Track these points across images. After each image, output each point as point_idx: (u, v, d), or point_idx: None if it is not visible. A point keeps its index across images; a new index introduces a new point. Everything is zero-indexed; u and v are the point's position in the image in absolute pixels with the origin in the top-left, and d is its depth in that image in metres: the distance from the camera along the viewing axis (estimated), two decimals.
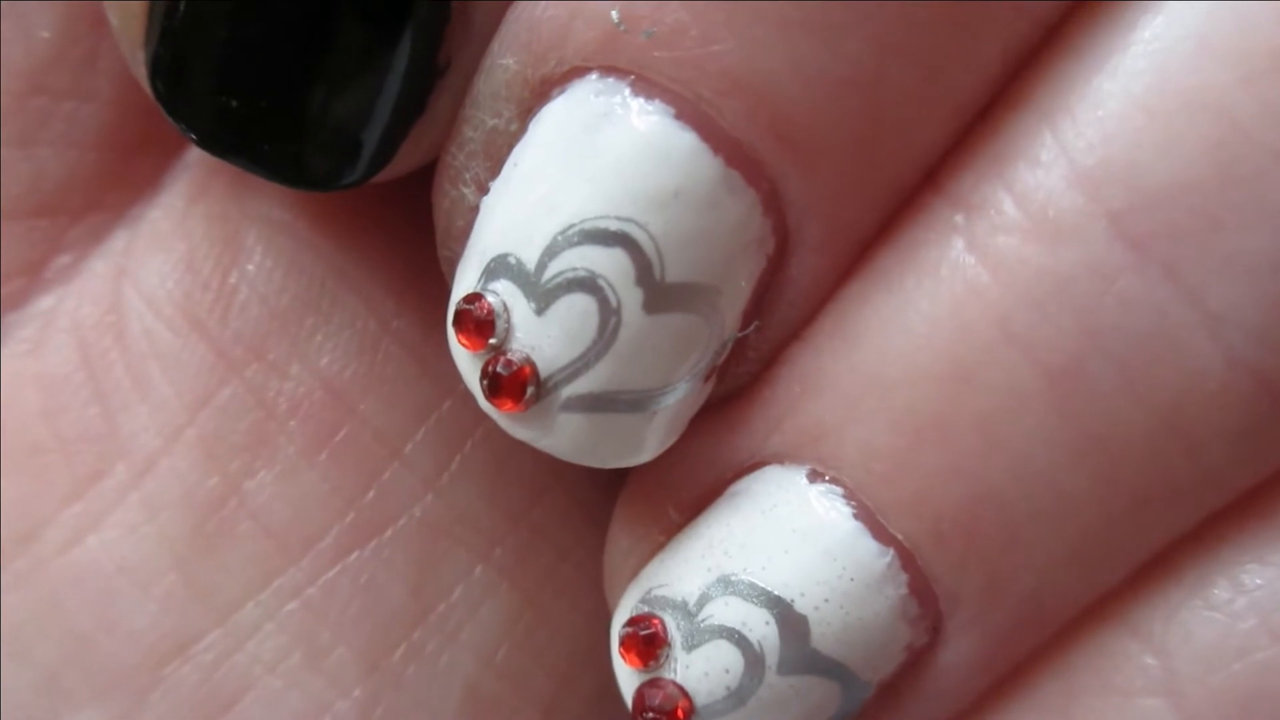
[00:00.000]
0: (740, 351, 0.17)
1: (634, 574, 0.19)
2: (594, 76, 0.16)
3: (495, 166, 0.17)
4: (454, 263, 0.18)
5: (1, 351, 0.20)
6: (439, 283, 0.19)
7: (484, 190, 0.17)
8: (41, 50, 0.19)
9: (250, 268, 0.19)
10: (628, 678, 0.18)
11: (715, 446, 0.18)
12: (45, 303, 0.20)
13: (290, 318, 0.19)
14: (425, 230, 0.19)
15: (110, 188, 0.20)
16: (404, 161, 0.18)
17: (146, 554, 0.19)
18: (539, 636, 0.21)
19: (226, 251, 0.19)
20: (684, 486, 0.19)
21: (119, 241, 0.20)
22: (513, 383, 0.17)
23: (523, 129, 0.17)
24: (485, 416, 0.19)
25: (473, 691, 0.20)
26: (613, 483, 0.20)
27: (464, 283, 0.17)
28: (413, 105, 0.17)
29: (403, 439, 0.20)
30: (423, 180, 0.19)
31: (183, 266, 0.19)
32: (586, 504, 0.21)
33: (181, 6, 0.17)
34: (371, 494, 0.20)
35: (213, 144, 0.17)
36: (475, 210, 0.17)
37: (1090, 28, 0.16)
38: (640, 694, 0.18)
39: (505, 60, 0.17)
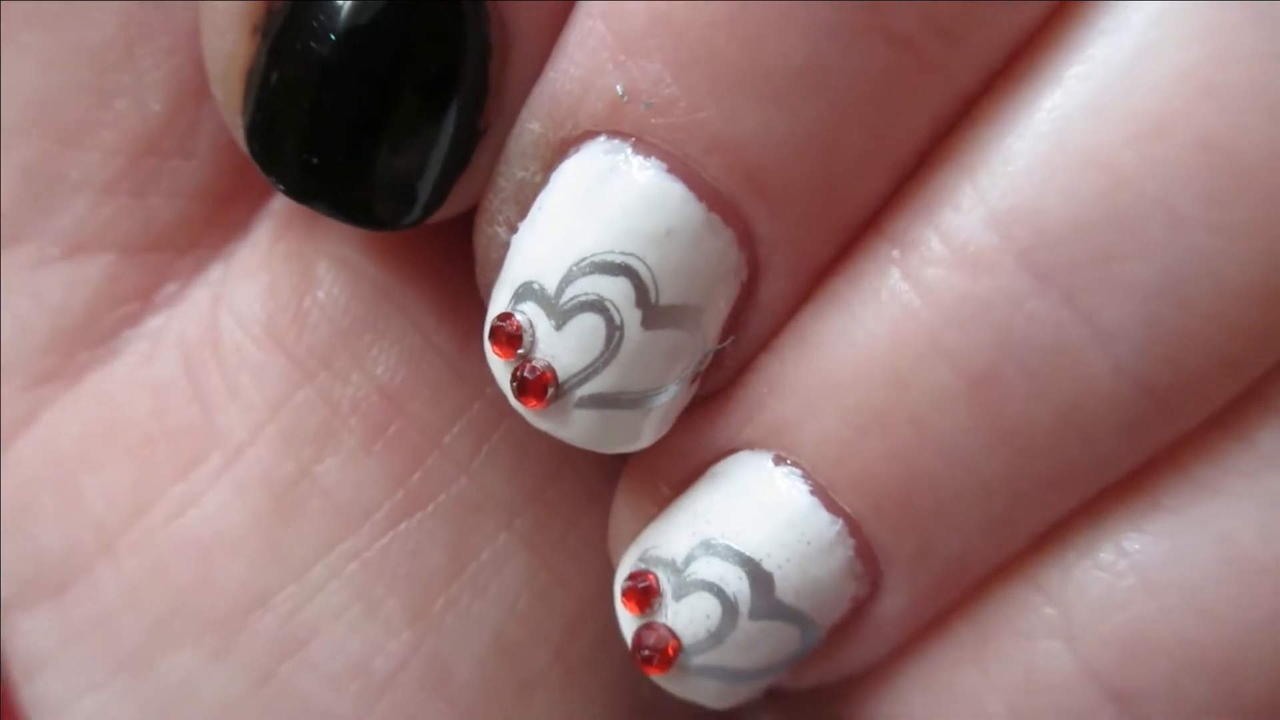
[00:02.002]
0: (719, 360, 0.18)
1: (633, 539, 0.20)
2: (602, 138, 0.17)
3: (523, 210, 0.18)
4: (489, 288, 0.19)
5: (120, 361, 0.21)
6: (470, 306, 0.20)
7: (514, 230, 0.18)
8: (154, 120, 0.20)
9: (320, 294, 0.20)
10: (628, 622, 0.19)
11: (698, 436, 0.19)
12: (156, 322, 0.21)
13: (352, 335, 0.20)
14: (459, 264, 0.20)
15: (209, 229, 0.21)
16: (452, 206, 0.18)
17: (236, 524, 0.20)
18: (552, 591, 0.21)
19: (302, 282, 0.20)
20: (673, 468, 0.19)
21: (216, 273, 0.21)
22: (537, 385, 0.17)
23: (545, 180, 0.18)
24: (508, 414, 0.20)
25: (499, 634, 0.21)
26: (612, 467, 0.21)
27: (497, 304, 0.18)
28: (458, 161, 0.18)
29: (441, 432, 0.21)
30: (457, 224, 0.19)
31: (267, 294, 0.20)
32: (590, 484, 0.22)
33: (272, 83, 0.18)
34: (417, 476, 0.20)
35: (298, 193, 0.18)
36: (507, 246, 0.18)
37: (1003, 98, 0.17)
38: (638, 635, 0.19)
39: (532, 125, 0.18)
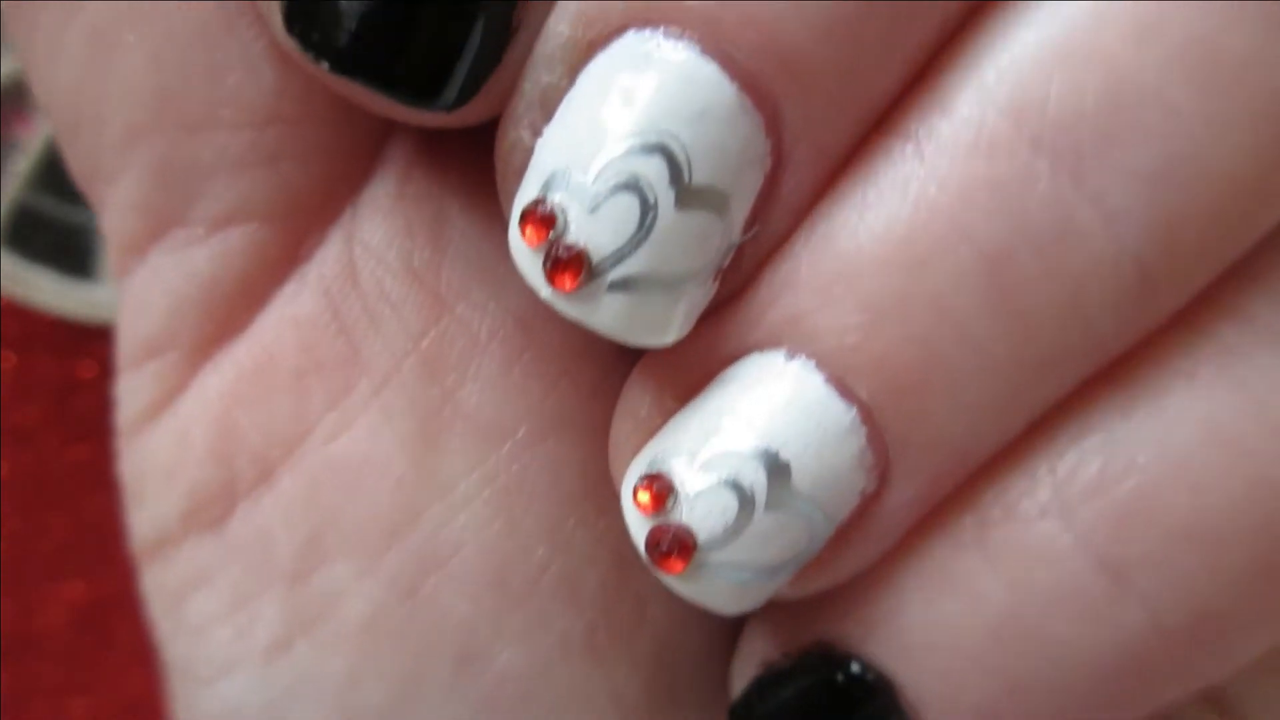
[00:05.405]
0: (739, 258, 0.18)
1: (636, 450, 0.20)
2: (633, 30, 0.17)
3: (548, 115, 0.18)
4: (511, 194, 0.19)
5: (268, 306, 0.22)
6: None
7: (538, 135, 0.18)
8: (269, 84, 0.20)
9: (455, 233, 0.22)
10: (640, 525, 0.19)
11: (707, 345, 0.19)
12: (298, 268, 0.22)
13: (487, 268, 0.21)
14: None
15: (337, 183, 0.22)
16: (481, 104, 0.19)
17: (384, 448, 0.21)
18: None
19: (435, 221, 0.21)
20: (679, 379, 0.20)
21: (347, 218, 0.22)
22: (571, 263, 0.18)
23: (571, 83, 0.18)
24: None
25: (620, 550, 0.22)
26: None
27: (526, 195, 0.18)
28: (491, 57, 0.18)
29: (568, 359, 0.22)
30: None
31: (404, 233, 0.21)
32: None
33: None
34: (550, 400, 0.22)
35: (341, 64, 0.18)
36: (530, 150, 0.18)
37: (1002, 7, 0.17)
38: (654, 533, 0.19)
39: (561, 28, 0.18)
